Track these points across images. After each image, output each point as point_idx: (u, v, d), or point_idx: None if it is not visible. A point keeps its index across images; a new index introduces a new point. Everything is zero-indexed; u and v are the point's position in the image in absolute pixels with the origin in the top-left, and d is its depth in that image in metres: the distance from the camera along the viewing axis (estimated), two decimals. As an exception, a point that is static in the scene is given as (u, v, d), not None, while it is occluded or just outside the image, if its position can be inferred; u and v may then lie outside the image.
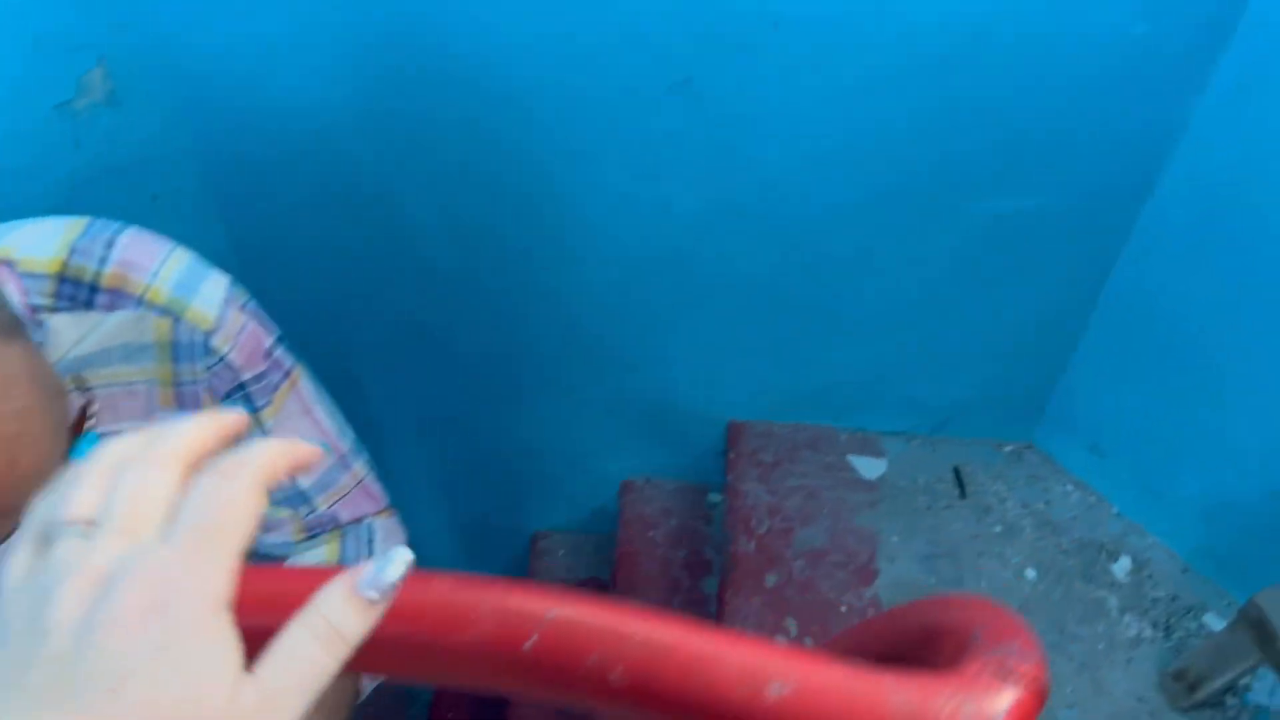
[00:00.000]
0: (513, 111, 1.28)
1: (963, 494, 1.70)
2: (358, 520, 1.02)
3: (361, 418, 1.87)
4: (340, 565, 0.98)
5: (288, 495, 0.96)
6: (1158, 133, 1.23)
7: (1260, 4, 1.09)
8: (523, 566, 2.18)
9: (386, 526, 1.04)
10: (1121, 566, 1.60)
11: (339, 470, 0.99)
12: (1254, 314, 1.30)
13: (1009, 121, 1.24)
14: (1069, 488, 1.71)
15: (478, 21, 1.19)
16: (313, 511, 0.99)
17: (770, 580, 1.60)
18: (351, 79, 1.26)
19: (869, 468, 1.73)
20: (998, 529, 1.66)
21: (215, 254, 1.52)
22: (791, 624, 1.55)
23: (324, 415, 0.97)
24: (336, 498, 0.99)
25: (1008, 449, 1.76)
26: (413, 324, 1.61)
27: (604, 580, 2.09)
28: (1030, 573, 1.61)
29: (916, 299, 1.50)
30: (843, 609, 1.57)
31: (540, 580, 2.13)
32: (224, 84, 1.28)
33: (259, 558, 1.08)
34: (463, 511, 2.14)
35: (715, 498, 1.94)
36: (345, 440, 0.99)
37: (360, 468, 1.01)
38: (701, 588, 1.84)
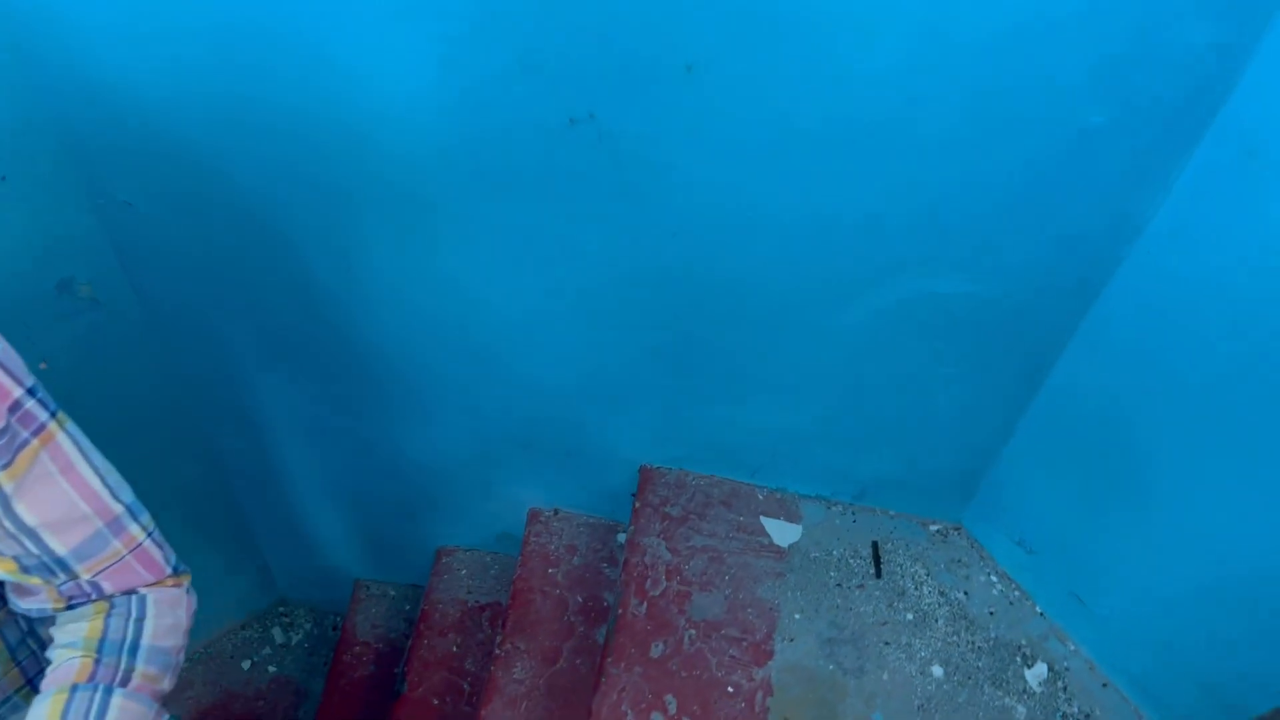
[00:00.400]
0: (400, 133, 1.14)
1: (878, 573, 1.58)
2: (128, 591, 0.90)
3: (249, 416, 1.77)
4: (101, 642, 0.82)
5: (41, 562, 0.84)
6: (1111, 231, 1.09)
7: (1233, 106, 0.94)
8: (425, 581, 2.07)
9: (163, 599, 0.92)
10: (1036, 674, 1.48)
11: (107, 535, 0.86)
12: (1189, 431, 1.17)
13: (946, 199, 1.09)
14: (993, 578, 1.58)
15: (359, 35, 1.04)
16: (72, 579, 0.86)
17: (656, 650, 1.49)
18: (222, 90, 1.12)
19: (782, 533, 1.61)
20: (909, 616, 1.54)
21: (81, 239, 1.40)
22: (671, 702, 1.44)
23: (90, 474, 0.84)
24: (102, 566, 0.87)
25: (934, 528, 1.63)
26: (297, 333, 1.48)
27: (503, 605, 1.98)
28: (937, 670, 1.49)
29: (839, 367, 1.36)
30: (729, 689, 1.46)
31: (439, 598, 2.02)
32: (82, 65, 1.13)
33: (20, 622, 0.96)
34: (365, 521, 2.02)
35: (624, 538, 1.82)
36: (119, 502, 0.87)
37: (137, 532, 0.89)
38: (595, 635, 1.73)
